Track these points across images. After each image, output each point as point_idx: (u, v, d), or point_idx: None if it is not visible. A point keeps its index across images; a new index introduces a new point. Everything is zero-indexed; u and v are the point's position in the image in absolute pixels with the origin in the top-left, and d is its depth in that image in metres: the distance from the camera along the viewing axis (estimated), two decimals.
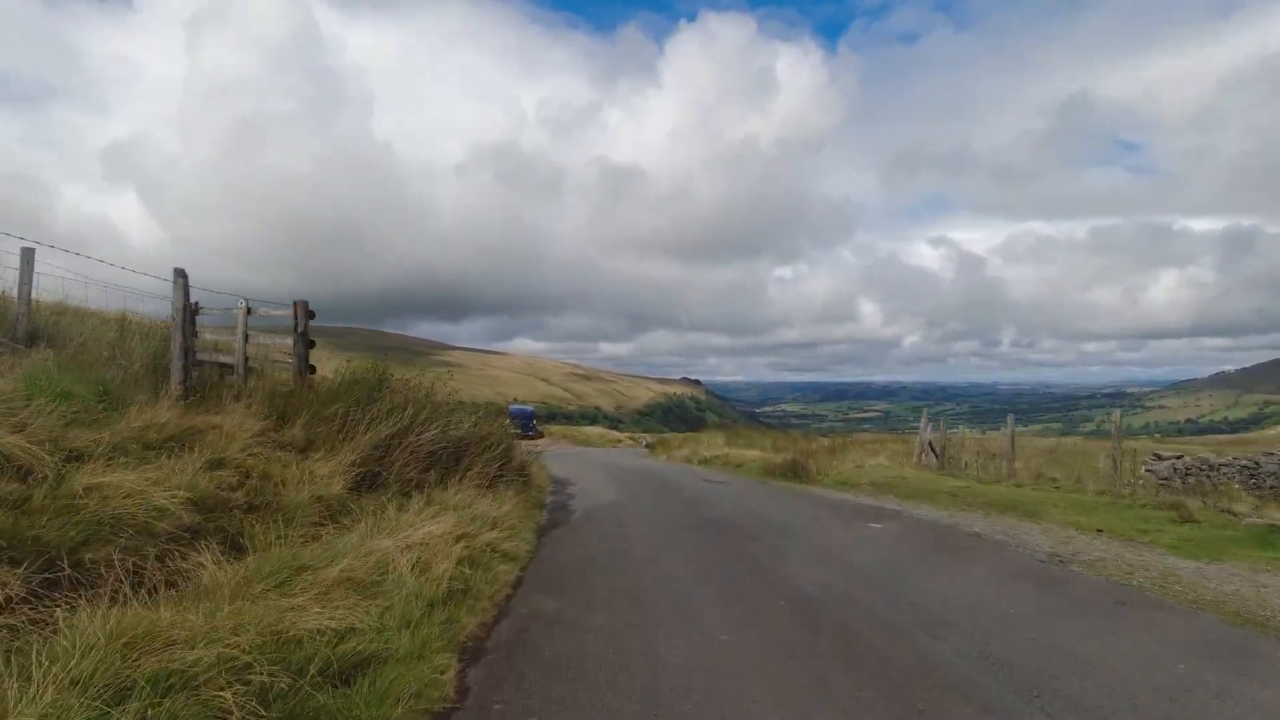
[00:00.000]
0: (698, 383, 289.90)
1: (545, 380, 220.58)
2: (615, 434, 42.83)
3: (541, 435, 40.65)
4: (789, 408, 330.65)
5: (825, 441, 25.86)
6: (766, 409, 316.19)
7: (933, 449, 19.11)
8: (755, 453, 22.47)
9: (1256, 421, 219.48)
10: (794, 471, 17.50)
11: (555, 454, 26.88)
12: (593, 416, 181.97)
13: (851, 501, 13.05)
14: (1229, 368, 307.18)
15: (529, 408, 40.23)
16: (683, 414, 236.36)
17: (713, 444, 24.75)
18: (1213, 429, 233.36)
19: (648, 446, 41.21)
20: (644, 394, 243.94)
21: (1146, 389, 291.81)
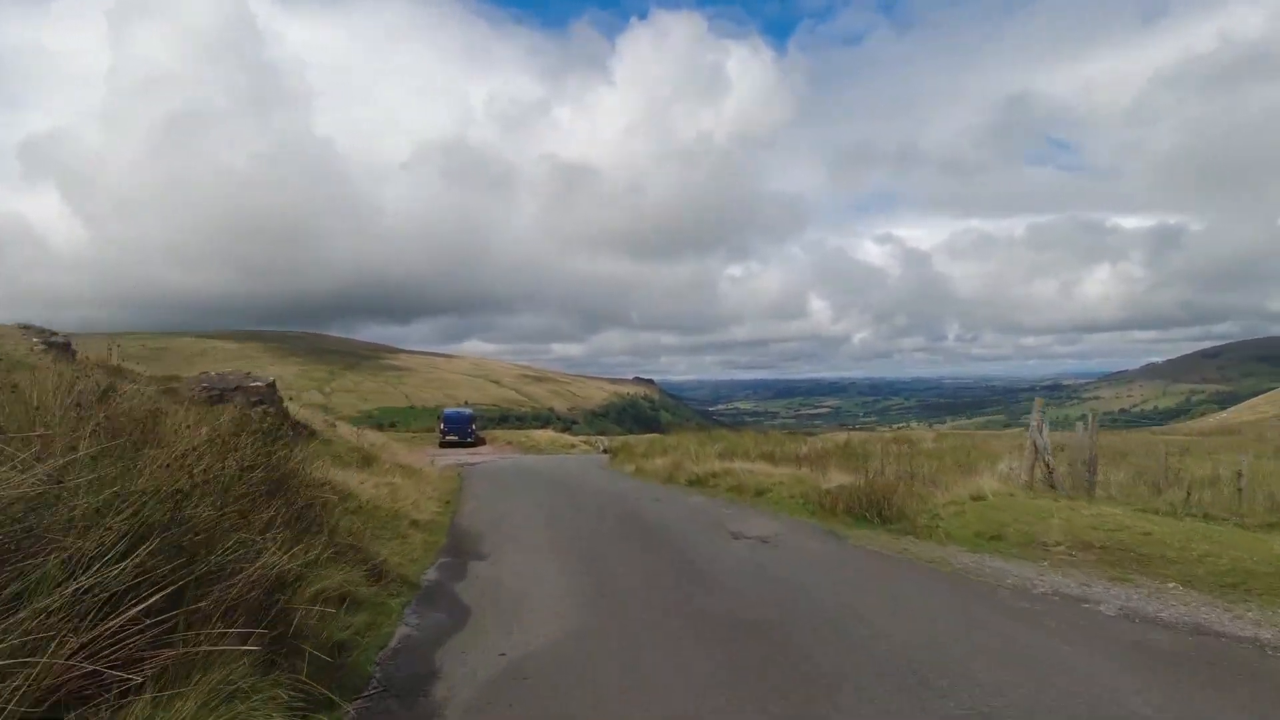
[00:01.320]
0: (651, 382, 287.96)
1: (496, 382, 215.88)
2: (568, 437, 39.69)
3: (482, 442, 37.41)
4: (741, 405, 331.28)
5: (851, 442, 23.22)
6: (719, 407, 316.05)
7: (1045, 460, 11.88)
8: (782, 471, 15.63)
9: (1186, 410, 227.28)
10: (873, 509, 10.51)
11: (488, 468, 23.63)
12: (545, 418, 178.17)
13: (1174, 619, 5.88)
14: (1157, 359, 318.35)
15: (467, 410, 37.05)
16: (637, 414, 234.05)
17: (703, 455, 19.87)
18: (1144, 418, 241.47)
19: (606, 451, 38.28)
20: (597, 394, 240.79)
21: (1081, 380, 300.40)
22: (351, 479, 9.93)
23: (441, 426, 35.31)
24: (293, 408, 16.53)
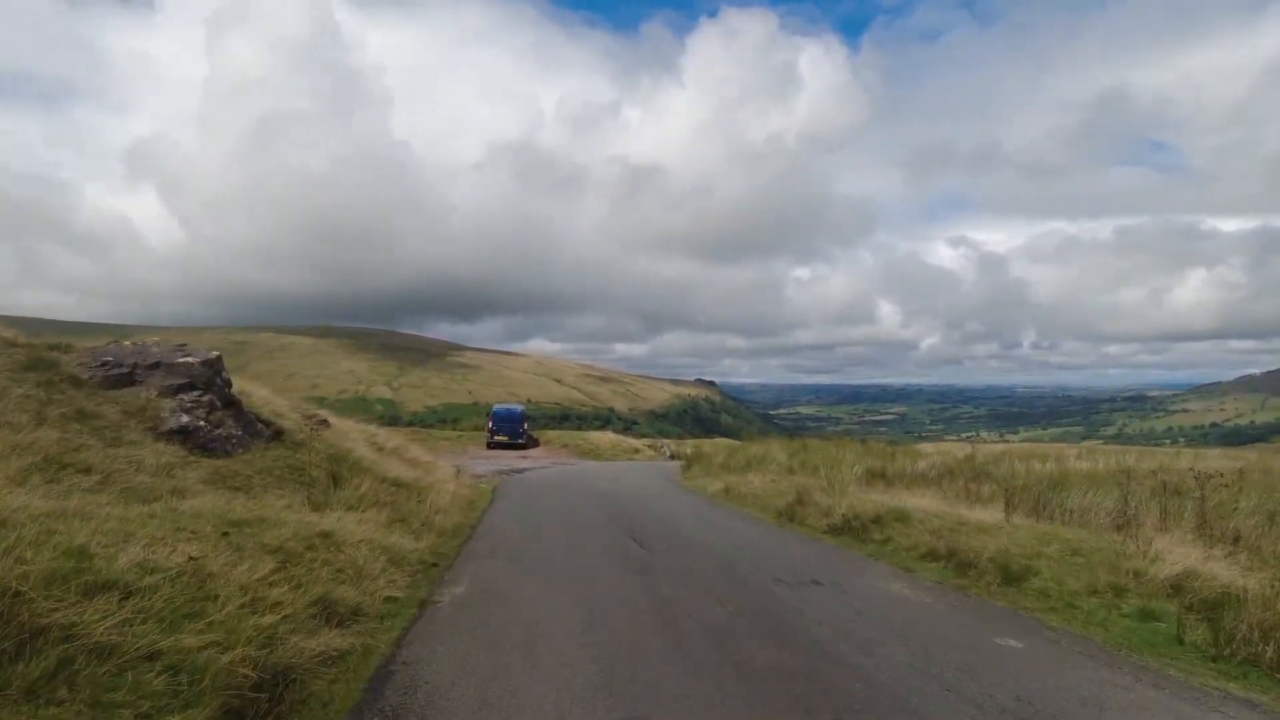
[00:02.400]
0: (712, 384, 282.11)
1: (558, 381, 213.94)
2: (632, 440, 35.15)
3: (535, 443, 33.10)
4: (804, 410, 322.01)
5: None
6: (781, 411, 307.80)
7: None
8: (993, 516, 9.22)
9: None
10: None
11: (532, 481, 19.72)
12: (606, 418, 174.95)
13: None
14: (1255, 371, 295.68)
15: (518, 408, 32.87)
16: (698, 416, 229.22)
17: (838, 480, 14.00)
18: (1238, 433, 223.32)
19: (673, 457, 33.53)
20: (659, 395, 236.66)
21: (1168, 392, 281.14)
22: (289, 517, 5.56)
23: (489, 425, 31.15)
24: (258, 394, 12.29)
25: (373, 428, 16.54)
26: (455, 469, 17.19)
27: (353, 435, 13.89)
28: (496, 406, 32.60)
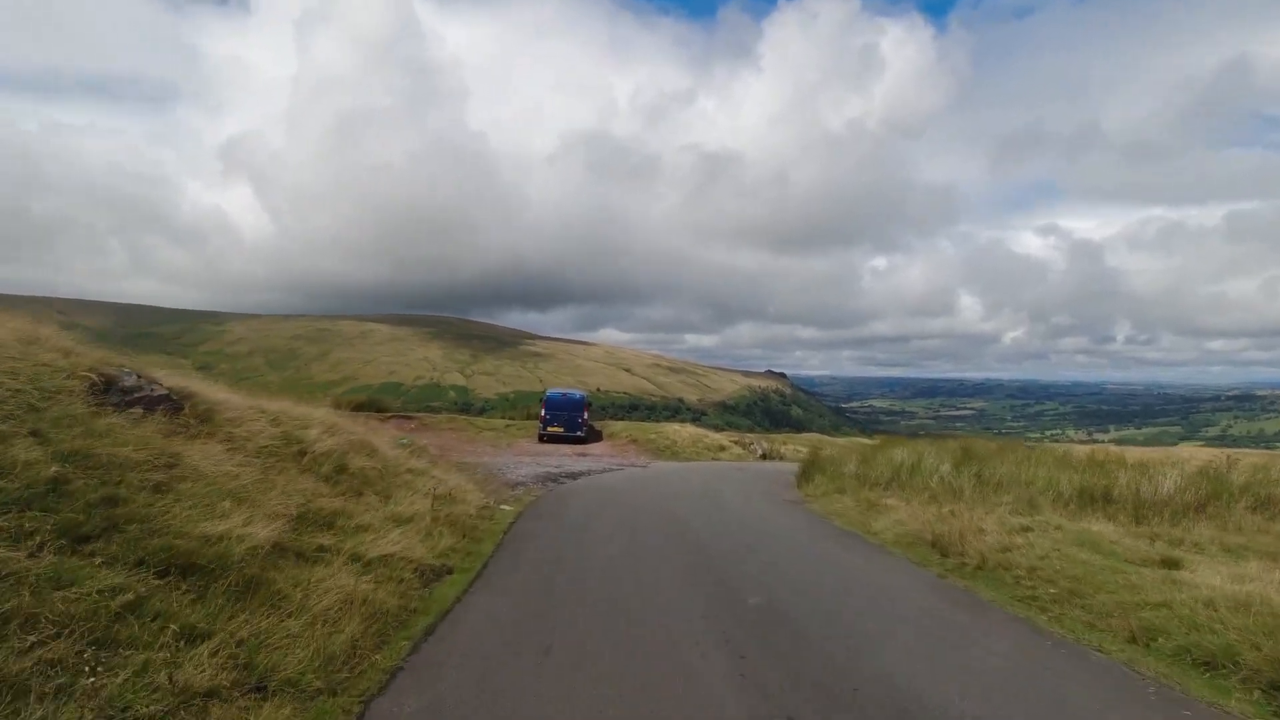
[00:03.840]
0: (783, 376, 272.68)
1: (628, 370, 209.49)
2: (715, 436, 29.00)
3: (597, 436, 27.41)
4: (877, 403, 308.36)
5: None
6: (853, 404, 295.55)
7: None
8: None
9: None
10: None
11: (590, 496, 13.88)
12: (675, 408, 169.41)
13: None
14: None
15: (577, 393, 27.15)
16: (768, 408, 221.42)
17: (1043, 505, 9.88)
18: None
19: (764, 456, 27.32)
20: (728, 386, 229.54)
21: (1279, 390, 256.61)
22: None
23: (542, 413, 25.63)
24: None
25: (322, 411, 10.85)
26: (503, 464, 11.59)
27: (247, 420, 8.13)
28: (550, 391, 27.07)
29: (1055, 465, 14.63)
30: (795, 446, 32.09)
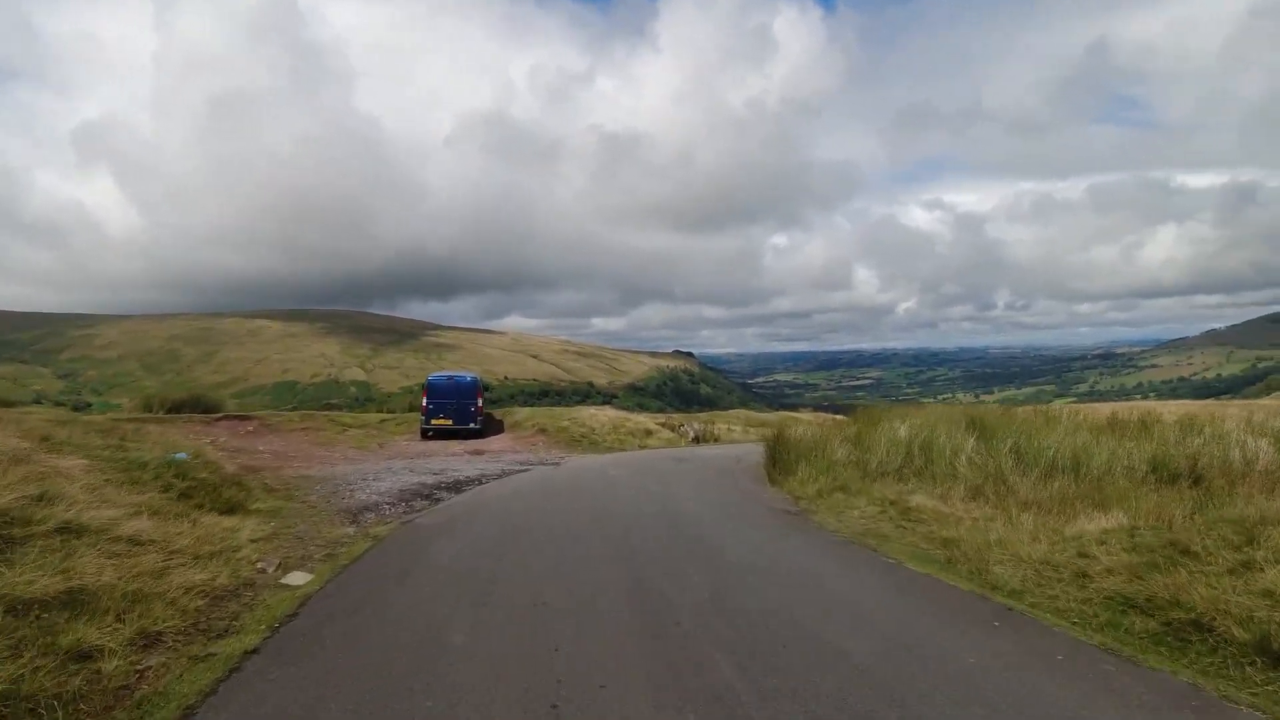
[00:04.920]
0: (690, 355, 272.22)
1: (536, 357, 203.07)
2: (638, 419, 24.17)
3: (498, 428, 22.22)
4: (781, 378, 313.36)
5: None
6: (759, 380, 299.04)
7: None
8: None
9: (1257, 378, 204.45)
10: None
11: (480, 519, 8.18)
12: (585, 393, 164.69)
13: None
14: (1219, 325, 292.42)
15: (467, 376, 21.63)
16: (677, 387, 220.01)
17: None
18: (1207, 387, 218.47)
19: (697, 440, 23.00)
20: (637, 368, 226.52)
21: (1137, 349, 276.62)
22: None
23: (424, 403, 20.25)
24: None
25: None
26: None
27: None
28: (433, 375, 21.55)
29: (1096, 433, 10.74)
30: (727, 425, 27.89)
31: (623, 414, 23.99)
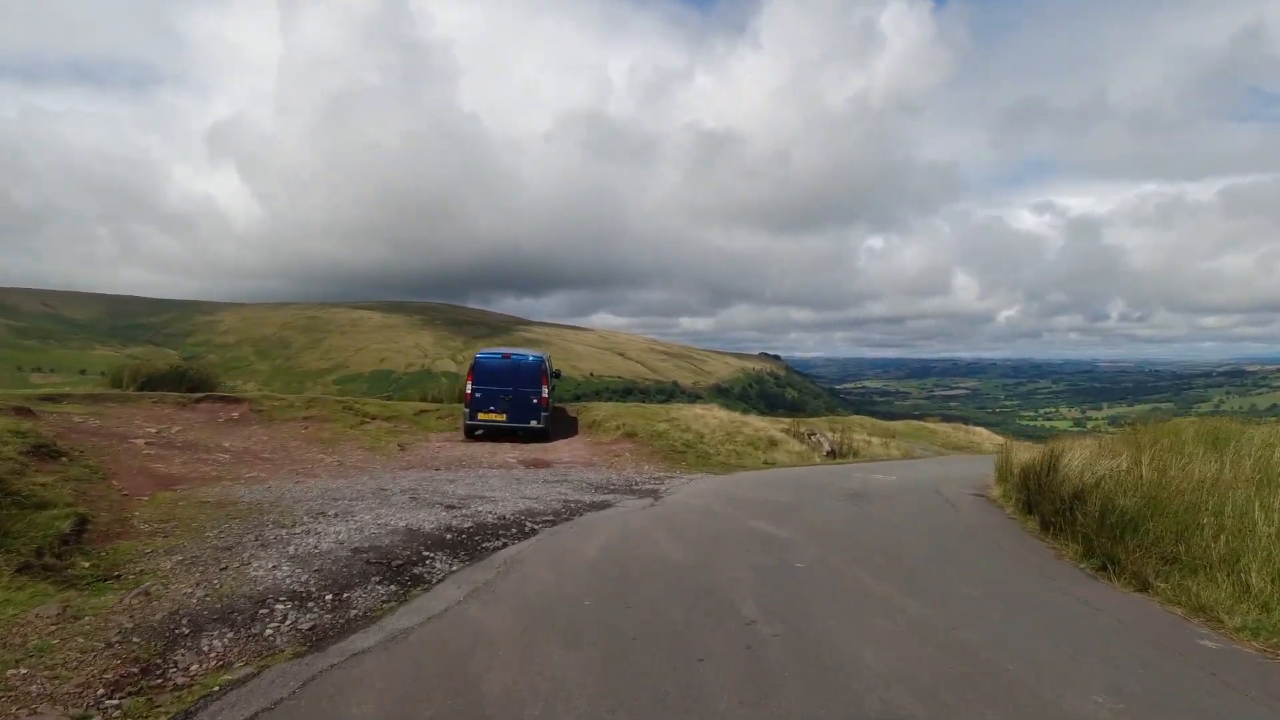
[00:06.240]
0: (777, 358, 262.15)
1: (622, 354, 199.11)
2: (756, 422, 17.55)
3: (571, 427, 16.32)
4: (870, 384, 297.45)
5: None
6: (847, 385, 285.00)
7: None
8: None
9: None
10: None
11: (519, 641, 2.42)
12: (670, 392, 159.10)
13: None
14: None
15: (530, 355, 15.79)
16: (763, 390, 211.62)
17: None
18: None
19: (832, 454, 16.55)
20: (723, 369, 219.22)
21: (1271, 366, 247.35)
22: None
23: (469, 390, 14.51)
24: None
25: None
26: None
27: None
28: (483, 353, 15.80)
29: None
30: (865, 436, 21.09)
31: (736, 416, 17.60)
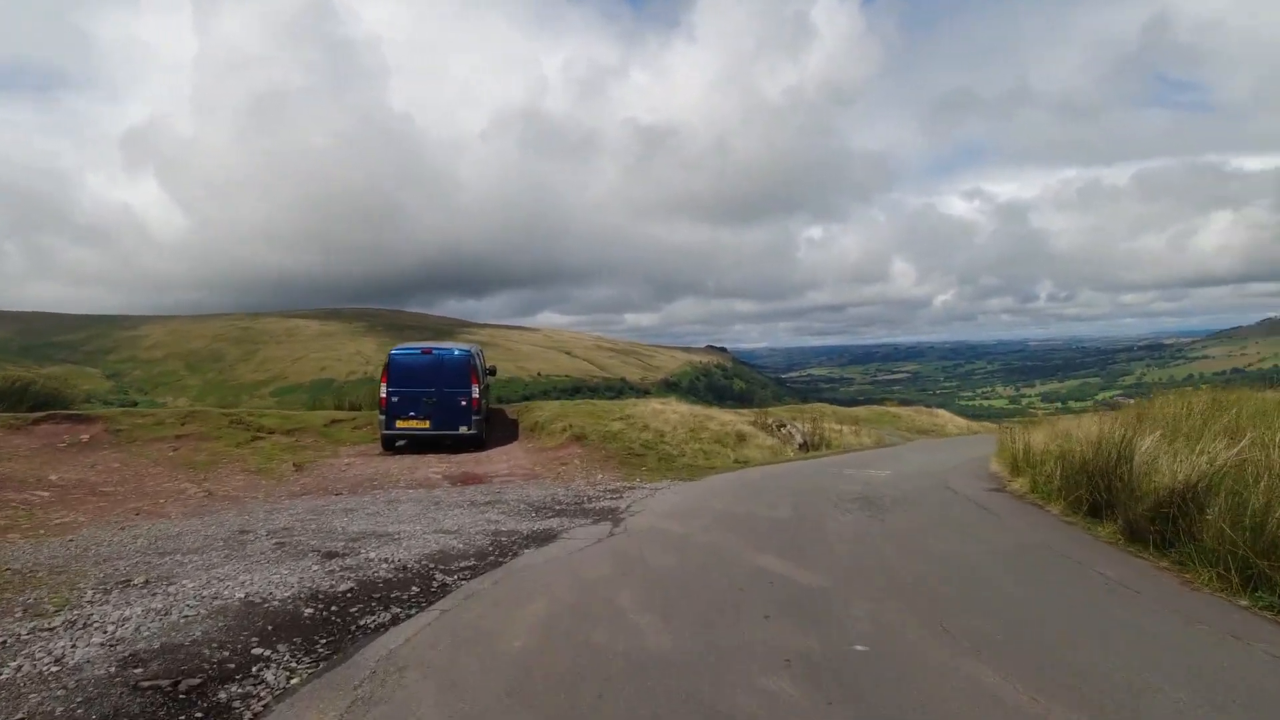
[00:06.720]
0: (723, 350, 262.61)
1: (569, 353, 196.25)
2: (723, 417, 15.43)
3: (510, 431, 13.93)
4: (815, 372, 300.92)
5: None
6: (793, 374, 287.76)
7: None
8: None
9: None
10: None
11: None
12: (619, 389, 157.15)
13: None
14: (1275, 314, 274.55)
15: (455, 350, 12.90)
16: (710, 383, 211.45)
17: None
18: (1263, 377, 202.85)
19: (804, 446, 14.66)
20: (670, 363, 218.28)
21: (1186, 339, 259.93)
22: None
23: (384, 394, 11.98)
24: None
25: None
26: None
27: None
28: (397, 350, 13.28)
29: None
30: (835, 426, 19.32)
31: (699, 410, 15.52)
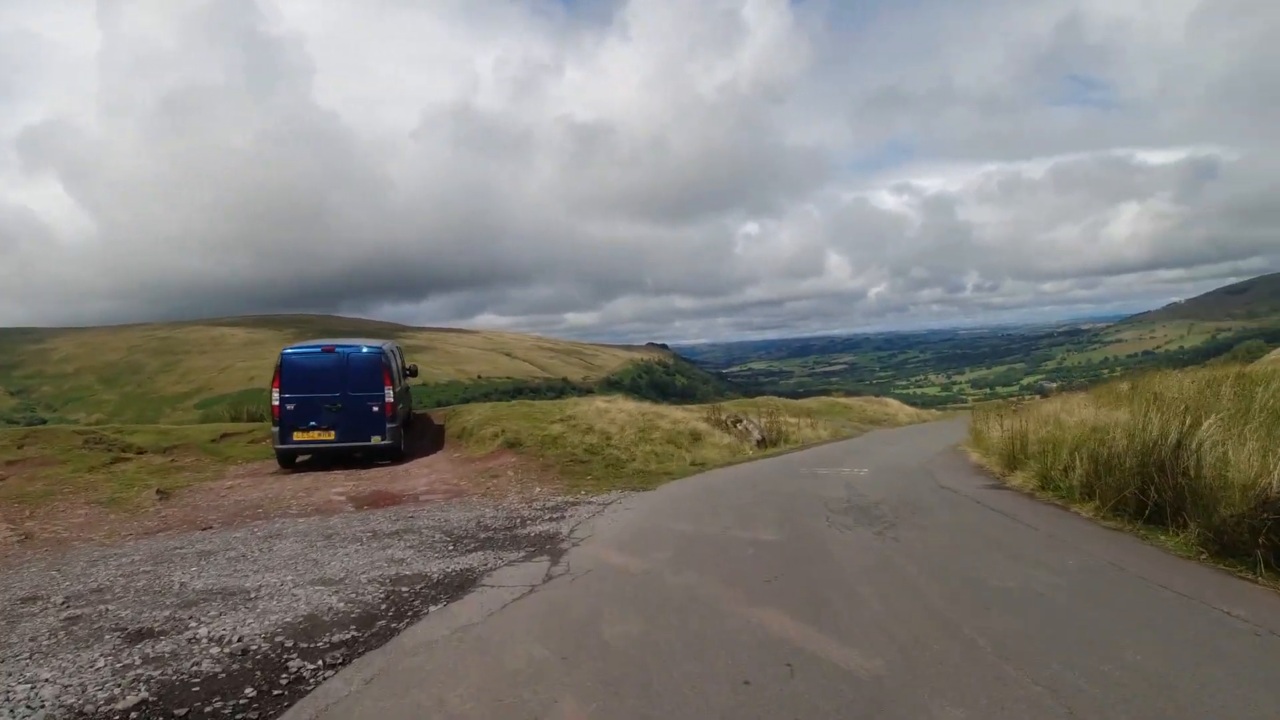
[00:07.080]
0: (664, 347, 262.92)
1: (509, 354, 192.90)
2: (675, 413, 13.87)
3: (435, 438, 12.14)
4: (755, 365, 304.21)
5: None
6: (733, 369, 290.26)
7: None
8: None
9: (1219, 349, 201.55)
10: None
11: None
12: (560, 389, 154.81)
13: None
14: (1179, 299, 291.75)
15: (363, 348, 10.89)
16: (652, 380, 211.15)
17: None
18: (1170, 359, 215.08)
19: (762, 443, 13.31)
20: (612, 362, 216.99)
21: (1101, 324, 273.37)
22: None
23: (278, 401, 10.01)
24: None
25: None
26: None
27: None
28: (290, 349, 11.29)
29: None
30: (791, 419, 18.14)
31: (648, 407, 13.98)
